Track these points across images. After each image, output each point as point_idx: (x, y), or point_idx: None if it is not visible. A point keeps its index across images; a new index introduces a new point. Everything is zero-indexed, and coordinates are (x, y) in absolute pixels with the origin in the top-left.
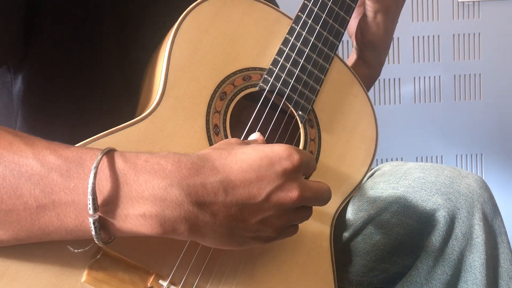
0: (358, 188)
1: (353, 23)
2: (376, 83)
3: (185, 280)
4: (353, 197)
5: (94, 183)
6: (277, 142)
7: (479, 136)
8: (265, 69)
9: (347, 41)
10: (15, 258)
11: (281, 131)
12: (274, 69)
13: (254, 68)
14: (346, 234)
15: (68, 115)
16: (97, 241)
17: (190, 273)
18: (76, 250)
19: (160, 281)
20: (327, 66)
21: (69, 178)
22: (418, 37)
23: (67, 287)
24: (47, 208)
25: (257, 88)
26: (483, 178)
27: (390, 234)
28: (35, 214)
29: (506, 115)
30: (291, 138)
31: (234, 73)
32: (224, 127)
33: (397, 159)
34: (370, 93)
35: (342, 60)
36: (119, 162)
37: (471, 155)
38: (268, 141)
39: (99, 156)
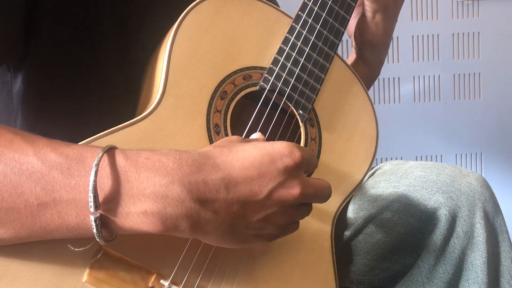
0: (359, 187)
1: (352, 22)
2: (376, 82)
3: (187, 279)
4: (354, 196)
5: (95, 181)
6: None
7: (478, 135)
8: (266, 68)
9: (346, 40)
10: (16, 258)
11: (281, 130)
12: (275, 68)
13: (255, 67)
14: (347, 233)
15: (68, 114)
16: (99, 239)
17: (191, 272)
18: (76, 249)
19: (162, 281)
20: (328, 65)
21: (70, 176)
22: (418, 36)
23: (68, 287)
24: (48, 206)
25: (257, 88)
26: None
27: (391, 233)
28: (36, 212)
29: (506, 114)
30: (291, 138)
31: (235, 72)
32: (225, 127)
33: (396, 158)
34: (370, 92)
35: (342, 59)
36: (120, 160)
37: (471, 154)
38: (269, 140)
39: (100, 154)
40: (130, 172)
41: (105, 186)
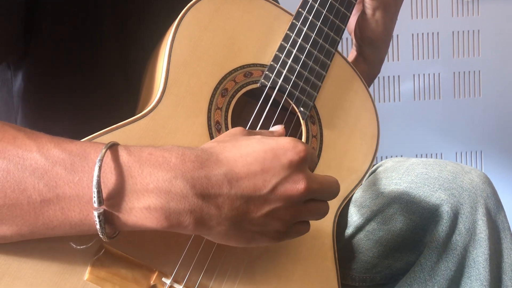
0: (360, 184)
1: (352, 20)
2: (376, 80)
3: (188, 277)
4: (356, 194)
5: (99, 176)
6: None
7: (478, 133)
8: (266, 65)
9: (346, 38)
10: (17, 256)
11: None
12: (275, 65)
13: (255, 65)
14: (348, 231)
15: (69, 113)
16: (102, 235)
17: (193, 270)
18: (78, 247)
19: (163, 279)
20: (328, 62)
21: (73, 171)
22: (417, 34)
23: (69, 285)
24: (51, 202)
25: (258, 85)
26: None
27: (393, 230)
28: (39, 209)
29: (506, 112)
30: (293, 135)
31: (235, 70)
32: (226, 124)
33: (396, 156)
34: (370, 90)
35: (343, 56)
36: (123, 155)
37: (471, 152)
38: None
39: (104, 150)
40: (133, 167)
41: (109, 181)
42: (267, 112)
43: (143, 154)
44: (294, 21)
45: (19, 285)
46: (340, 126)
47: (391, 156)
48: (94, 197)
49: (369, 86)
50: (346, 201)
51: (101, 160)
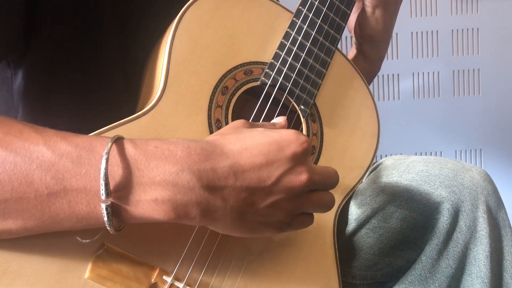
0: (361, 182)
1: (352, 17)
2: (375, 79)
3: (189, 275)
4: (356, 191)
5: (106, 168)
6: None
7: (478, 132)
8: (267, 63)
9: (346, 37)
10: (17, 255)
11: None
12: (276, 63)
13: (256, 62)
14: (349, 229)
15: (69, 111)
16: (109, 227)
17: (194, 268)
18: (84, 241)
19: (164, 277)
20: (329, 60)
21: (80, 164)
22: (417, 32)
23: (71, 283)
24: (58, 195)
25: (258, 83)
26: None
27: (394, 228)
28: (46, 202)
29: (505, 110)
30: None
31: (236, 68)
32: (226, 122)
33: (396, 155)
34: (369, 88)
35: (343, 54)
36: (129, 148)
37: (471, 150)
38: None
39: (110, 142)
40: (140, 160)
41: (116, 174)
42: (267, 110)
43: (149, 147)
44: (294, 19)
45: (20, 283)
46: (340, 124)
47: (391, 155)
48: (102, 189)
49: (369, 84)
50: (346, 199)
51: (108, 153)
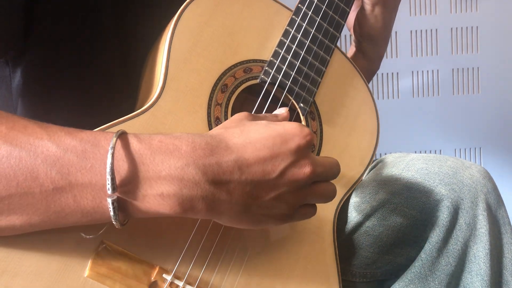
0: (361, 180)
1: (351, 15)
2: (374, 77)
3: (189, 273)
4: (356, 189)
5: (112, 163)
6: None
7: (477, 130)
8: (266, 61)
9: (345, 35)
10: (17, 253)
11: None
12: (275, 61)
13: (255, 60)
14: (348, 227)
15: (68, 109)
16: (115, 222)
17: (194, 266)
18: (88, 236)
19: (164, 275)
20: (328, 58)
21: (85, 158)
22: (416, 31)
23: (70, 282)
24: (64, 190)
25: (258, 80)
26: None
27: (393, 226)
28: (51, 197)
29: (505, 108)
30: None
31: (235, 65)
32: (226, 120)
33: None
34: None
35: (342, 52)
36: (133, 143)
37: (470, 149)
38: None
39: (115, 137)
40: (145, 155)
41: (121, 169)
42: (266, 108)
43: (153, 141)
44: (293, 16)
45: (19, 281)
46: (340, 122)
47: (390, 153)
48: (108, 184)
49: (368, 82)
50: (346, 197)
51: (113, 148)
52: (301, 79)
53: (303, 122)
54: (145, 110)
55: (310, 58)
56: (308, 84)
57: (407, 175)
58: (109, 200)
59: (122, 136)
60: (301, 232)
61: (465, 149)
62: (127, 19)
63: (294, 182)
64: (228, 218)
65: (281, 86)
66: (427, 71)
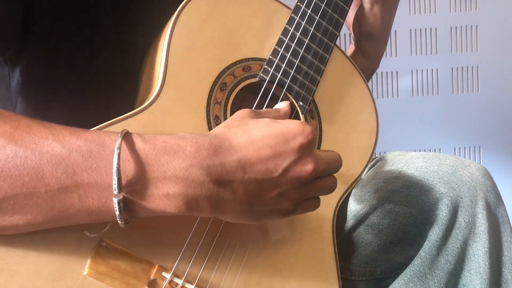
0: (360, 178)
1: (350, 14)
2: (374, 76)
3: (189, 271)
4: (355, 188)
5: (118, 163)
6: None
7: (477, 129)
8: (265, 59)
9: (344, 34)
10: (16, 251)
11: None
12: (274, 59)
13: (254, 59)
14: (348, 225)
15: (67, 108)
16: (120, 221)
17: (193, 264)
18: (92, 235)
19: (163, 273)
20: (327, 56)
21: (90, 158)
22: (415, 30)
23: (69, 280)
24: (69, 189)
25: (257, 79)
26: None
27: (393, 224)
28: (56, 196)
29: (504, 107)
30: None
31: (234, 64)
32: (225, 118)
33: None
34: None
35: (342, 51)
36: (138, 143)
37: (469, 147)
38: None
39: (120, 137)
40: (150, 155)
41: (127, 169)
42: (266, 107)
43: (158, 141)
44: (292, 15)
45: (18, 280)
46: (339, 121)
47: (390, 152)
48: (114, 184)
49: (368, 81)
50: (345, 195)
51: (119, 148)
52: (300, 77)
53: (302, 121)
54: (144, 108)
55: (309, 57)
56: (307, 83)
57: (406, 173)
58: (115, 200)
59: (127, 136)
60: (301, 230)
61: (464, 148)
62: (127, 18)
63: (297, 179)
64: (233, 216)
65: (280, 85)
66: (427, 70)
